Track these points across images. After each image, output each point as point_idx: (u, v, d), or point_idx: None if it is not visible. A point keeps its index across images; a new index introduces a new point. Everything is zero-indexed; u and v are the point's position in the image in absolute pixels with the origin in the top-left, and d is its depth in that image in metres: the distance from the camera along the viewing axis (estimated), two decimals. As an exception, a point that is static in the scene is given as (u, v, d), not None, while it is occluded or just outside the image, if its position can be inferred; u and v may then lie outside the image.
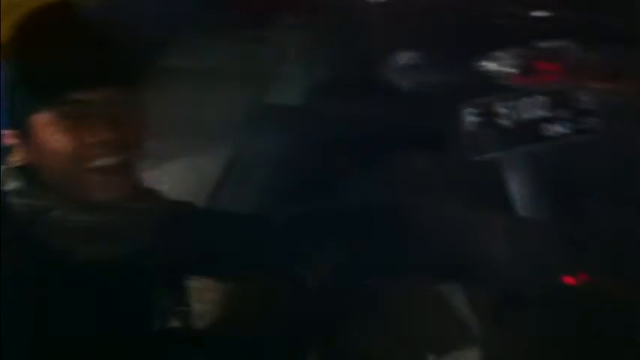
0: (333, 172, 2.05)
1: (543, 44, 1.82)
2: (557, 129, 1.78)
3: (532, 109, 1.76)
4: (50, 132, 1.37)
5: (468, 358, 1.77)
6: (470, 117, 1.77)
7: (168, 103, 1.88)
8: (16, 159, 1.43)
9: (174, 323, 1.55)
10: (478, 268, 1.84)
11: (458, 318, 1.82)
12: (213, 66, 2.27)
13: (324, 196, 2.00)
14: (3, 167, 1.45)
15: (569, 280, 1.74)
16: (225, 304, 1.67)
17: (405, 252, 1.79)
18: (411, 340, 1.72)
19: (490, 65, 1.84)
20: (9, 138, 1.42)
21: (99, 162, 1.37)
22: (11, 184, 1.42)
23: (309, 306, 1.70)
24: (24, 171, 1.42)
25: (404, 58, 1.99)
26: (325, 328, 1.69)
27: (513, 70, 1.79)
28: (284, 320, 1.64)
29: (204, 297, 1.66)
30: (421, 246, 1.79)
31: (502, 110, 1.76)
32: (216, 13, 2.23)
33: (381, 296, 1.71)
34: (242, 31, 2.24)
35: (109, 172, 1.37)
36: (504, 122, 1.76)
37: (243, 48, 2.24)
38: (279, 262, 1.71)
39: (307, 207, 1.94)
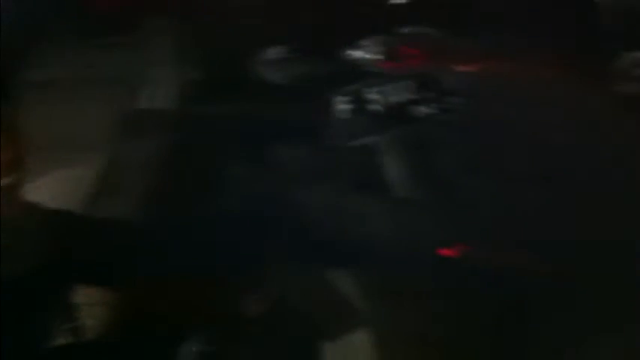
0: (211, 172, 2.05)
1: (406, 30, 1.90)
2: (424, 110, 1.86)
3: (399, 92, 1.84)
4: None
5: (359, 340, 1.81)
6: (341, 105, 1.82)
7: (39, 117, 1.83)
8: None
9: (66, 340, 1.52)
10: (362, 251, 1.89)
11: (346, 301, 1.86)
12: (80, 75, 2.22)
13: (203, 198, 1.99)
14: None
15: (447, 252, 1.83)
16: (113, 315, 1.65)
17: (290, 241, 1.82)
18: (302, 326, 1.74)
19: (356, 53, 1.89)
20: None
21: None
22: None
23: (199, 306, 1.71)
24: None
25: (272, 53, 2.02)
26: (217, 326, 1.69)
27: (379, 57, 1.86)
28: (172, 326, 1.63)
29: (93, 312, 1.63)
30: (305, 234, 1.82)
31: (371, 96, 1.82)
32: (79, 21, 2.19)
33: (269, 286, 1.73)
34: (108, 37, 2.20)
35: None
36: (374, 107, 1.83)
37: (110, 54, 2.21)
38: (161, 266, 1.70)
39: (186, 209, 1.93)
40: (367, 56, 1.89)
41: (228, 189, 1.95)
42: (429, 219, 1.86)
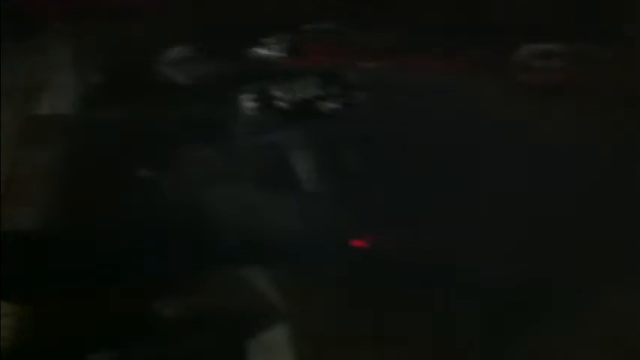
0: (116, 176, 2.01)
1: (310, 27, 1.91)
2: (331, 105, 1.87)
3: (305, 89, 1.84)
4: None
5: (278, 335, 1.81)
6: (247, 103, 1.82)
7: None
8: None
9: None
10: (275, 247, 1.89)
11: (263, 298, 1.86)
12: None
13: (110, 203, 1.95)
14: None
15: (358, 243, 1.85)
16: (24, 326, 1.60)
17: (202, 242, 1.80)
18: (222, 325, 1.73)
19: (262, 51, 1.89)
20: None
21: None
22: None
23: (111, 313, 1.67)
24: None
25: (175, 53, 2.00)
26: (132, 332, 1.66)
27: (284, 54, 1.86)
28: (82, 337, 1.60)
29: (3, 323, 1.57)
30: (217, 234, 1.81)
31: (277, 93, 1.82)
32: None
33: (187, 287, 1.71)
34: (6, 42, 2.13)
35: None
36: (281, 104, 1.83)
37: (9, 60, 2.14)
38: (69, 275, 1.66)
39: (93, 216, 1.89)
40: (271, 54, 1.89)
41: (135, 193, 1.92)
42: (339, 211, 1.87)
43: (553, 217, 1.80)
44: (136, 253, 1.74)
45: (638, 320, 1.40)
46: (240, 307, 1.81)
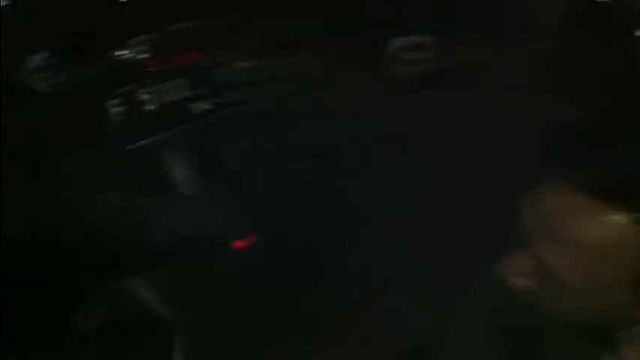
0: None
1: (177, 27, 1.88)
2: (202, 106, 1.86)
3: (175, 90, 1.82)
4: None
5: (166, 344, 1.79)
6: (115, 108, 1.77)
7: None
8: None
9: None
10: (157, 252, 1.86)
11: (149, 309, 1.83)
12: None
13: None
14: None
15: (239, 243, 1.84)
16: None
17: (84, 251, 1.75)
18: (130, 335, 1.70)
19: (126, 54, 1.85)
20: None
21: None
22: None
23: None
24: None
25: (36, 60, 1.93)
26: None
27: (149, 56, 1.83)
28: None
29: None
30: (102, 243, 1.77)
31: (145, 96, 1.79)
32: None
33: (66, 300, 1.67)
34: None
35: None
36: (150, 108, 1.80)
37: None
38: None
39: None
40: (136, 56, 1.85)
41: (17, 206, 1.84)
42: (218, 212, 1.86)
43: (431, 206, 1.84)
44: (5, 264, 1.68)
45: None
46: (125, 315, 1.78)
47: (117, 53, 1.86)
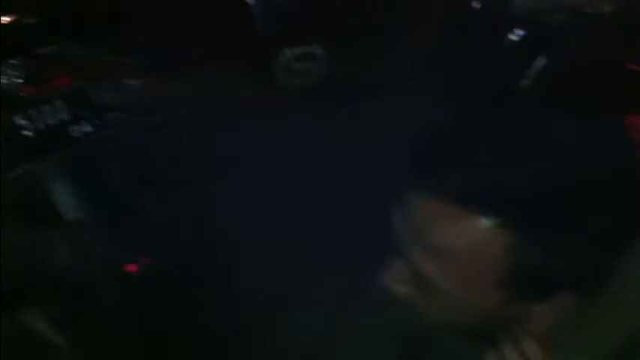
0: None
1: (48, 50, 1.83)
2: (82, 129, 1.81)
3: (50, 115, 1.76)
4: None
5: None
6: (-10, 136, 1.71)
7: None
8: None
9: None
10: (48, 283, 1.81)
11: (42, 339, 1.78)
12: None
13: None
14: None
15: (131, 267, 1.80)
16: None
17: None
18: None
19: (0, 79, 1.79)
20: None
21: None
22: None
23: None
24: None
25: None
26: None
27: (20, 81, 1.77)
28: None
29: None
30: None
31: (22, 122, 1.73)
32: None
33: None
34: None
35: None
36: (28, 134, 1.74)
37: None
38: None
39: None
40: (12, 80, 1.79)
41: None
42: (110, 237, 1.82)
43: (317, 219, 1.85)
44: None
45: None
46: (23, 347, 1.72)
47: (-12, 79, 1.79)
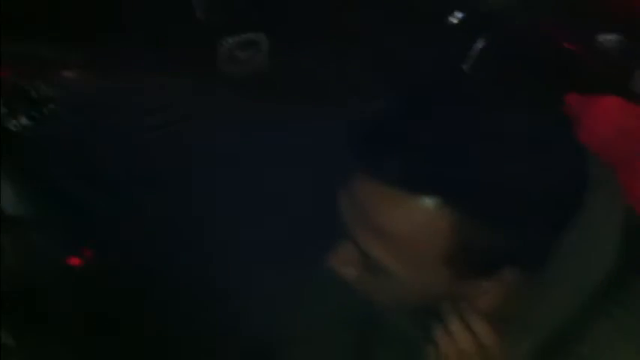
0: None
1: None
2: (20, 121, 1.77)
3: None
4: None
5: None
6: None
7: None
8: None
9: None
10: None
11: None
12: None
13: None
14: None
15: (75, 260, 1.77)
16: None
17: None
18: None
19: None
20: None
21: None
22: None
23: None
24: None
25: None
26: None
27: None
28: None
29: None
30: None
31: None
32: None
33: None
34: None
35: None
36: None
37: None
38: None
39: None
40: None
41: None
42: (51, 232, 1.79)
43: (262, 207, 1.84)
44: None
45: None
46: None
47: None
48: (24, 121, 1.75)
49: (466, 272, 1.01)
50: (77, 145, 1.83)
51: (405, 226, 0.97)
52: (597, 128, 1.25)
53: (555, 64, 1.84)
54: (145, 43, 2.21)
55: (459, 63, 1.75)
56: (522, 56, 1.76)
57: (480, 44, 1.83)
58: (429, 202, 0.95)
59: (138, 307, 1.83)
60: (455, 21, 1.86)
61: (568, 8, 1.95)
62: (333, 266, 1.08)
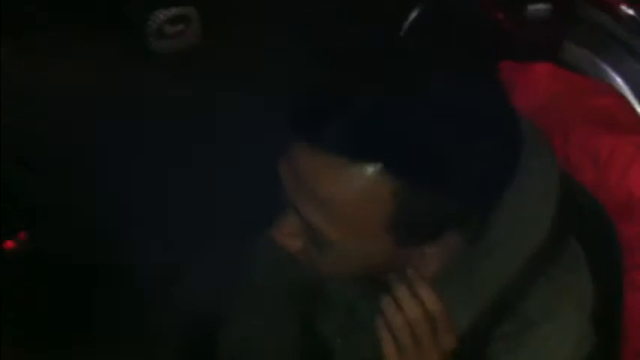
0: None
1: None
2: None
3: None
4: None
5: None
6: None
7: None
8: None
9: None
10: None
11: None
12: None
13: None
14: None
15: (9, 244, 1.73)
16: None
17: None
18: None
19: None
20: None
21: None
22: None
23: None
24: None
25: None
26: None
27: None
28: None
29: None
30: None
31: None
32: None
33: None
34: None
35: None
36: None
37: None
38: None
39: None
40: None
41: None
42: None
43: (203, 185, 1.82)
44: None
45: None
46: None
47: None
48: None
49: (409, 238, 1.02)
50: (8, 128, 1.78)
51: (347, 195, 0.96)
52: (530, 95, 1.28)
53: (488, 34, 1.87)
54: (70, 20, 2.15)
55: (395, 33, 1.76)
56: (456, 26, 1.79)
57: (413, 15, 1.85)
58: (369, 168, 0.95)
59: (72, 289, 1.80)
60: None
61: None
62: (276, 240, 1.08)
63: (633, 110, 1.42)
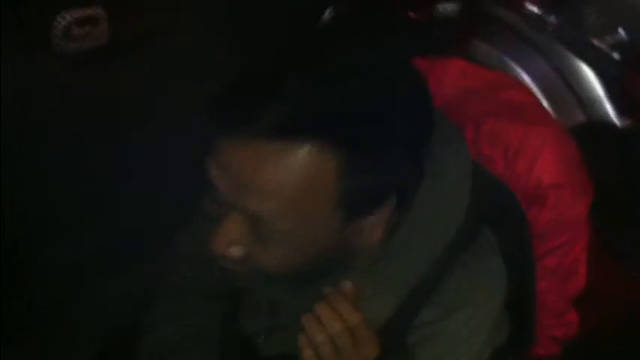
0: None
1: None
2: None
3: None
4: None
5: None
6: None
7: None
8: None
9: None
10: None
11: None
12: None
13: None
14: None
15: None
16: None
17: None
18: None
19: None
20: None
21: None
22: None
23: None
24: None
25: None
26: None
27: None
28: None
29: None
30: None
31: None
32: None
33: None
34: None
35: None
36: None
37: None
38: None
39: None
40: None
41: None
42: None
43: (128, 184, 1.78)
44: None
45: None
46: None
47: None
48: None
49: (356, 210, 1.01)
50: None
51: (293, 180, 0.95)
52: (443, 89, 1.31)
53: (401, 31, 1.90)
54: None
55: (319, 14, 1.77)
56: (370, 24, 1.81)
57: (328, 14, 1.86)
58: (310, 148, 0.94)
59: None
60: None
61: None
62: (216, 252, 1.05)
63: (540, 103, 1.48)
